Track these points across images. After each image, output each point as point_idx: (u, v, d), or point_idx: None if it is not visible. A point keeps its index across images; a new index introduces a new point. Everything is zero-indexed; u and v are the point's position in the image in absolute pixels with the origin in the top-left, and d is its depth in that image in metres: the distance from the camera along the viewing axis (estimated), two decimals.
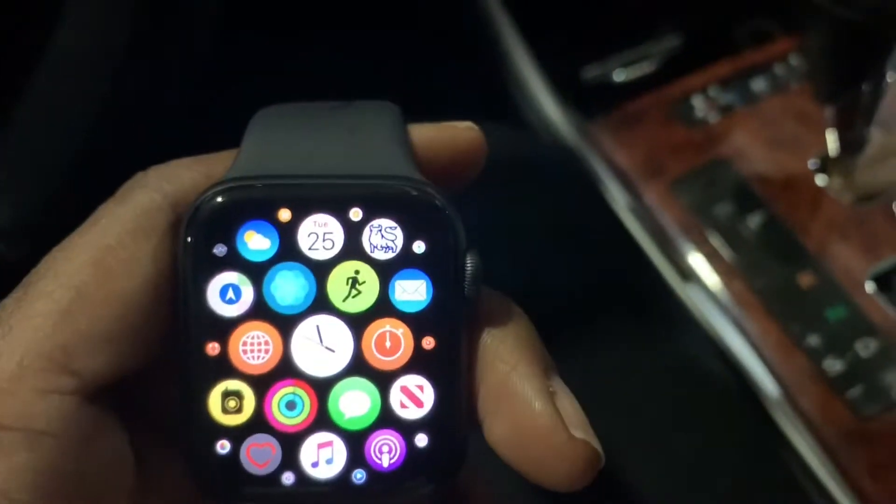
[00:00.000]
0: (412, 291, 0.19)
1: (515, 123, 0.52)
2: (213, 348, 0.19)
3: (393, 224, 0.19)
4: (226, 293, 0.19)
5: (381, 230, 0.19)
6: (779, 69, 0.54)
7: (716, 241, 0.48)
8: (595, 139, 0.52)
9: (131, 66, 0.23)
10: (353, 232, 0.19)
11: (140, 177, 0.19)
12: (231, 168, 0.19)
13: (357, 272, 0.19)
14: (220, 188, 0.19)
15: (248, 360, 0.19)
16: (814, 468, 0.42)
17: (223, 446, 0.19)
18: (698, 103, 0.53)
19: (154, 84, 0.23)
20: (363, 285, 0.19)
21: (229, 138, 0.20)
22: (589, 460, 0.18)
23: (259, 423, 0.19)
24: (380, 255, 0.19)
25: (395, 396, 0.19)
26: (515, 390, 0.19)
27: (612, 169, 0.51)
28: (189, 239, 0.18)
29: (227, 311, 0.19)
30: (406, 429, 0.19)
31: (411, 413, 0.19)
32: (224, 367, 0.19)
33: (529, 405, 0.18)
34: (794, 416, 0.43)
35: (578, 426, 0.19)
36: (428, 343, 0.19)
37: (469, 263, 0.19)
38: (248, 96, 0.21)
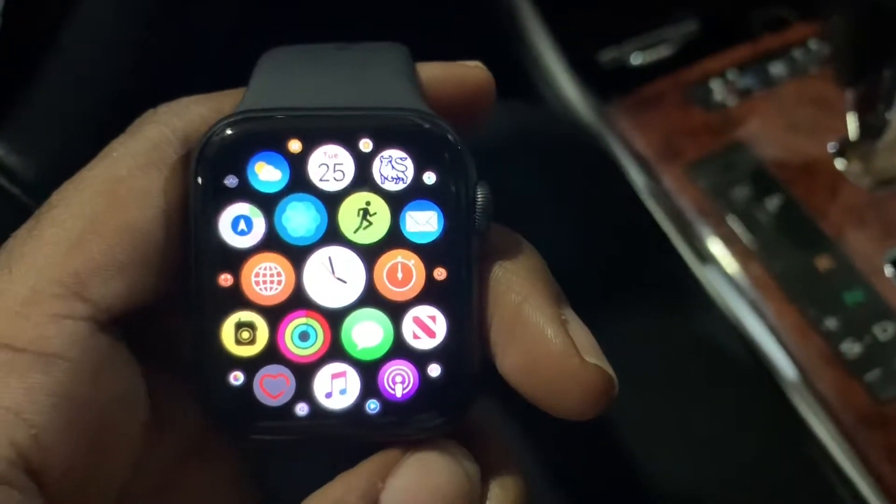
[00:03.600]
0: (423, 222, 0.19)
1: (534, 104, 0.52)
2: (225, 279, 0.19)
3: (403, 155, 0.19)
4: (237, 224, 0.19)
5: (391, 161, 0.19)
6: (797, 54, 0.54)
7: (734, 225, 0.47)
8: (613, 122, 0.52)
9: (158, 29, 0.23)
10: (363, 163, 0.19)
11: (150, 113, 0.19)
12: (241, 103, 0.19)
13: (368, 203, 0.19)
14: (230, 120, 0.19)
15: (260, 292, 0.19)
16: (831, 451, 0.42)
17: (236, 378, 0.19)
18: (717, 87, 0.53)
19: (181, 48, 0.23)
20: (374, 216, 0.19)
21: None
22: (602, 385, 0.18)
23: (272, 353, 0.19)
24: (390, 187, 0.19)
25: (408, 327, 0.19)
26: (528, 319, 0.19)
27: (630, 151, 0.50)
28: (200, 170, 0.18)
29: (239, 242, 0.19)
30: (419, 359, 0.19)
31: (424, 343, 0.19)
32: (237, 299, 0.19)
33: (542, 332, 0.19)
34: (811, 399, 0.43)
35: (591, 352, 0.19)
36: (439, 274, 0.19)
37: (480, 195, 0.19)
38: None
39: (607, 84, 0.54)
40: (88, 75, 0.23)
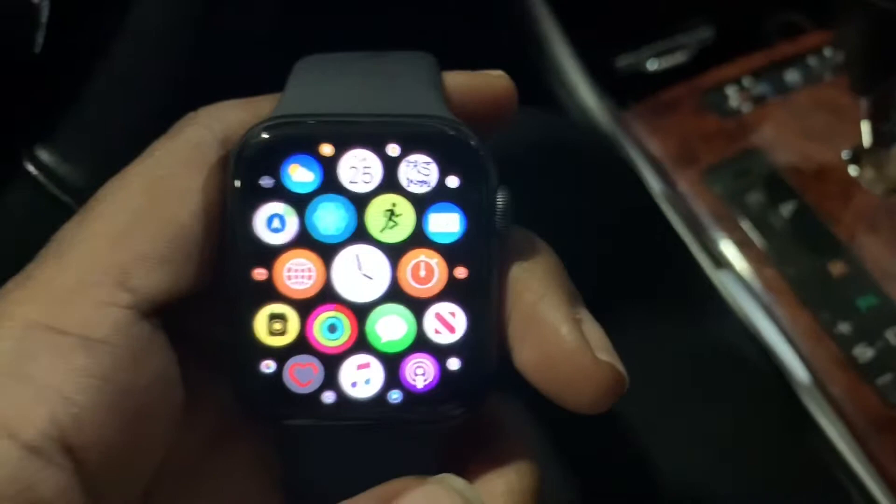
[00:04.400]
0: (446, 224, 0.20)
1: (551, 110, 0.53)
2: (259, 274, 0.20)
3: (428, 160, 0.20)
4: (272, 222, 0.20)
5: (416, 165, 0.20)
6: (812, 61, 0.54)
7: (748, 230, 0.48)
8: (629, 127, 0.52)
9: (203, 40, 0.23)
10: (390, 167, 0.20)
11: (191, 115, 0.20)
12: (276, 108, 0.20)
13: (394, 205, 0.20)
14: (267, 124, 0.20)
15: (292, 286, 0.20)
16: (843, 453, 0.42)
17: (268, 366, 0.20)
18: (732, 93, 0.53)
19: (224, 57, 0.24)
20: (399, 217, 0.20)
21: None
22: (613, 381, 0.19)
23: (302, 344, 0.20)
24: (415, 189, 0.20)
25: (430, 322, 0.20)
26: (543, 317, 0.20)
27: (646, 156, 0.51)
28: (237, 171, 0.19)
29: (273, 239, 0.20)
30: (439, 353, 0.20)
31: (444, 338, 0.20)
32: (270, 292, 0.20)
33: (557, 330, 0.19)
34: (823, 402, 0.43)
35: (604, 350, 0.20)
36: (460, 273, 0.20)
37: (500, 199, 0.20)
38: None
39: (624, 90, 0.54)
40: (136, 85, 0.24)
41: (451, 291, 0.20)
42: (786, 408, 0.43)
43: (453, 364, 0.20)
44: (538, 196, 0.43)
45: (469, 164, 0.20)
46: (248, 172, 0.19)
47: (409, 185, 0.20)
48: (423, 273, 0.20)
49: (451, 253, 0.20)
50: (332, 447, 0.21)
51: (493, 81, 0.22)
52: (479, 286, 0.20)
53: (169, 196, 0.19)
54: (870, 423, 0.43)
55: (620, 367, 0.20)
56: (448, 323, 0.20)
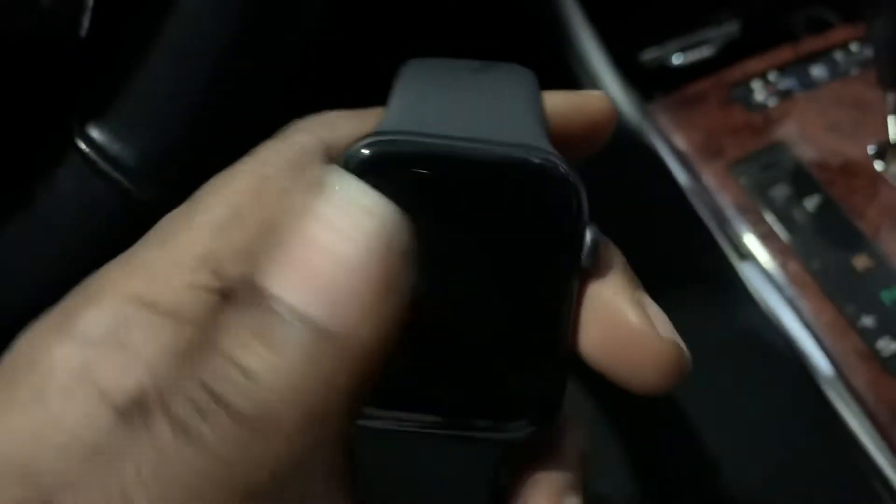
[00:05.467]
0: None
1: None
2: None
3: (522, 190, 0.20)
4: None
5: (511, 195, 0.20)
6: (838, 56, 0.54)
7: (773, 223, 0.48)
8: (655, 120, 0.53)
9: (253, 22, 0.24)
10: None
11: (300, 122, 0.21)
12: (380, 122, 0.21)
13: None
14: (367, 141, 0.20)
15: None
16: (866, 445, 0.43)
17: None
18: (758, 87, 0.53)
19: (271, 40, 0.25)
20: None
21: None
22: (677, 360, 0.20)
23: None
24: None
25: None
26: (609, 301, 0.20)
27: (672, 149, 0.51)
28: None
29: None
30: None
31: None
32: None
33: (623, 312, 0.20)
34: (846, 394, 0.44)
35: (668, 331, 0.20)
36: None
37: (589, 235, 0.20)
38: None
39: (649, 83, 0.55)
40: (185, 65, 0.24)
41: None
42: (809, 399, 0.44)
43: (529, 381, 0.20)
44: None
45: (563, 198, 0.20)
46: None
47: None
48: None
49: None
50: (403, 453, 0.22)
51: (592, 103, 0.23)
52: (557, 314, 0.20)
53: (270, 196, 0.19)
54: (892, 416, 0.43)
55: (683, 346, 0.20)
56: None
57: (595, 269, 0.21)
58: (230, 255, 0.19)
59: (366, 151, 0.20)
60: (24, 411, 0.17)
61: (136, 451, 0.16)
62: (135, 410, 0.17)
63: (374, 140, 0.20)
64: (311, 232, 0.18)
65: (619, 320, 0.20)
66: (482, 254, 0.20)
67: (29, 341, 0.18)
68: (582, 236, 0.20)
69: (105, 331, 0.18)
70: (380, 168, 0.20)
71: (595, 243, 0.20)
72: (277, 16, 0.24)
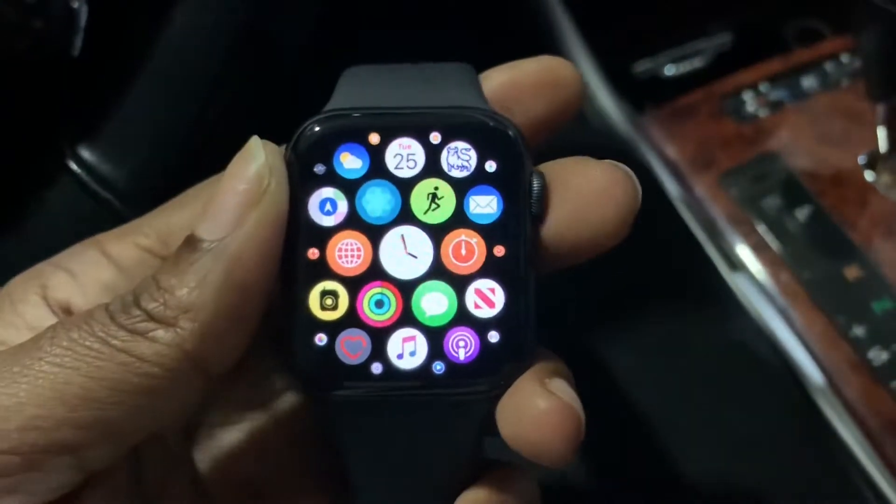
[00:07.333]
0: (484, 205, 0.21)
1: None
2: (313, 253, 0.21)
3: (468, 146, 0.21)
4: (324, 206, 0.21)
5: (457, 152, 0.21)
6: (829, 67, 0.55)
7: (764, 233, 0.49)
8: (646, 131, 0.53)
9: (243, 48, 0.25)
10: (433, 153, 0.21)
11: None
12: (327, 105, 0.22)
13: (436, 188, 0.21)
14: (319, 118, 0.21)
15: (343, 264, 0.21)
16: (857, 455, 0.43)
17: (321, 339, 0.21)
18: (749, 99, 0.54)
19: (261, 64, 0.25)
20: (441, 200, 0.21)
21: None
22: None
23: (352, 318, 0.21)
24: (456, 174, 0.21)
25: (470, 297, 0.21)
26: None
27: (663, 160, 0.52)
28: (293, 160, 0.21)
29: (325, 221, 0.21)
30: (480, 326, 0.21)
31: (484, 313, 0.21)
32: (322, 270, 0.21)
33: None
34: (838, 405, 0.44)
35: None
36: (499, 251, 0.21)
37: (535, 182, 0.21)
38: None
39: (641, 94, 0.55)
40: (176, 88, 0.25)
41: (490, 269, 0.21)
42: (800, 410, 0.44)
43: (493, 337, 0.21)
44: None
45: (506, 149, 0.21)
46: (302, 160, 0.21)
47: (450, 170, 0.21)
48: (463, 252, 0.21)
49: (489, 232, 0.21)
50: (378, 421, 0.22)
51: (530, 66, 0.23)
52: (516, 263, 0.21)
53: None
54: (884, 426, 0.43)
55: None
56: (487, 298, 0.21)
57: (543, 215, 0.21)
58: (183, 223, 0.22)
59: (318, 127, 0.21)
60: None
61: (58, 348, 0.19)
62: (62, 315, 0.21)
63: (325, 116, 0.21)
64: (221, 181, 0.20)
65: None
66: (434, 211, 0.21)
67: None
68: (529, 183, 0.21)
69: (64, 259, 0.22)
70: (332, 140, 0.21)
71: (541, 189, 0.21)
72: (267, 39, 0.24)
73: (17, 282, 0.22)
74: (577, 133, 0.51)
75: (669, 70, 0.58)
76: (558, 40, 0.54)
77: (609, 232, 0.22)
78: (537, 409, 0.20)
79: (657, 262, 0.45)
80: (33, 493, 0.19)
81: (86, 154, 0.25)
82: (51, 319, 0.21)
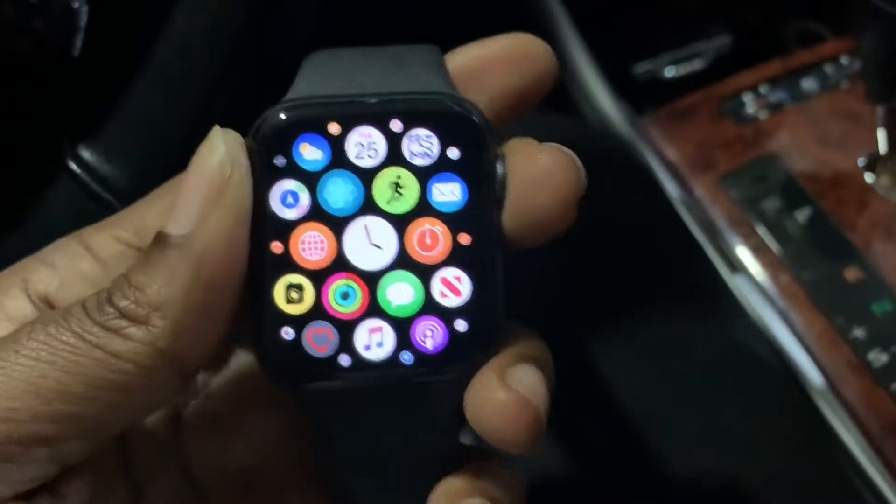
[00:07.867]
0: (448, 193, 0.21)
1: (570, 116, 0.54)
2: (276, 247, 0.21)
3: (429, 133, 0.21)
4: (286, 198, 0.21)
5: (418, 139, 0.21)
6: (829, 69, 0.55)
7: (764, 235, 0.49)
8: (646, 133, 0.53)
9: (243, 48, 0.25)
10: (394, 142, 0.21)
11: None
12: (287, 95, 0.22)
13: (399, 177, 0.21)
14: (277, 108, 0.21)
15: (306, 257, 0.21)
16: (857, 457, 0.43)
17: (287, 332, 0.21)
18: (749, 100, 0.54)
19: (261, 63, 0.25)
20: (404, 189, 0.21)
21: None
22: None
23: (318, 311, 0.21)
24: (418, 162, 0.21)
25: (436, 287, 0.21)
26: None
27: (663, 162, 0.52)
28: (253, 152, 0.21)
29: (288, 214, 0.21)
30: (447, 315, 0.21)
31: (451, 301, 0.21)
32: (286, 263, 0.21)
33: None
34: (837, 406, 0.44)
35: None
36: (464, 239, 0.21)
37: (499, 168, 0.21)
38: None
39: (641, 96, 0.55)
40: (176, 88, 0.25)
41: (456, 257, 0.21)
42: (800, 411, 0.44)
43: (461, 326, 0.21)
44: None
45: (468, 135, 0.21)
46: (262, 153, 0.21)
47: (412, 158, 0.21)
48: (428, 241, 0.21)
49: (454, 221, 0.21)
50: (352, 413, 0.22)
51: (499, 42, 0.23)
52: (481, 251, 0.21)
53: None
54: (884, 428, 0.43)
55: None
56: (454, 287, 0.21)
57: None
58: (155, 218, 0.22)
59: (276, 118, 0.21)
60: None
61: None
62: (42, 306, 0.21)
63: (284, 107, 0.21)
64: (185, 174, 0.20)
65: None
66: (398, 200, 0.21)
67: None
68: (492, 169, 0.21)
69: (47, 252, 0.22)
70: (291, 131, 0.21)
71: (505, 174, 0.21)
72: (267, 40, 0.24)
73: (1, 276, 0.22)
74: (577, 135, 0.51)
75: (669, 72, 0.58)
76: (558, 41, 0.54)
77: (552, 217, 0.21)
78: (496, 401, 0.20)
79: (657, 264, 0.45)
80: (7, 483, 0.19)
81: (86, 154, 0.25)
82: (31, 311, 0.21)
